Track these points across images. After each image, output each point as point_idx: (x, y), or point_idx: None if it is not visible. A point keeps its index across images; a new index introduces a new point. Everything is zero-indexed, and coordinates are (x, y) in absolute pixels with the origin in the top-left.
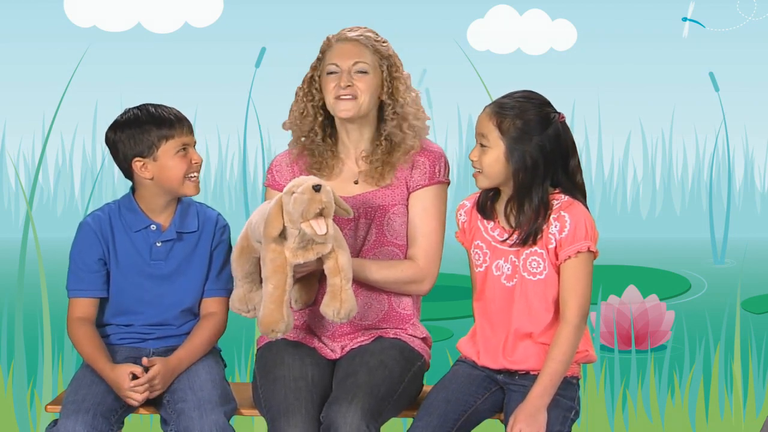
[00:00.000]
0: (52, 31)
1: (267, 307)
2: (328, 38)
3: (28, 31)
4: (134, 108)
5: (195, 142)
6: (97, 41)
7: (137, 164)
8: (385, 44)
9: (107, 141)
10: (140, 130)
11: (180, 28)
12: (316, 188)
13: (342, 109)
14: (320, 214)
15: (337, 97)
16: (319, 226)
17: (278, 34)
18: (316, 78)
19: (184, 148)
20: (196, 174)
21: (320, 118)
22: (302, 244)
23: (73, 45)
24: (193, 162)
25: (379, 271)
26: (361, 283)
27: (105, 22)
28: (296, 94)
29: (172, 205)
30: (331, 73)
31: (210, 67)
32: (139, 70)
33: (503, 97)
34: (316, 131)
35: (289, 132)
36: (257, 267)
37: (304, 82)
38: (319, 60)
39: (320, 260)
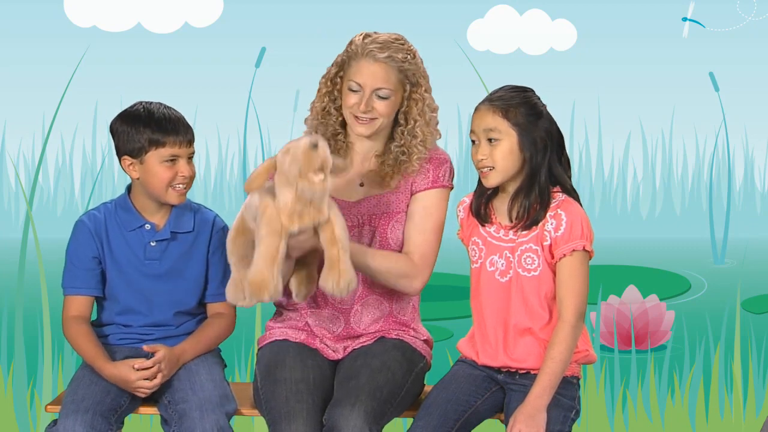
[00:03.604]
0: (52, 31)
1: (256, 265)
2: (356, 43)
3: (28, 31)
4: (143, 104)
5: (191, 154)
6: (97, 41)
7: (125, 162)
8: (413, 61)
9: (110, 128)
10: (135, 130)
11: (180, 28)
12: (313, 146)
13: (358, 131)
14: (319, 169)
15: (355, 117)
16: (317, 176)
17: (278, 34)
18: (338, 80)
19: (172, 159)
20: (182, 185)
21: (341, 118)
22: (298, 208)
23: (73, 45)
24: (179, 174)
25: (376, 259)
26: (360, 292)
27: (105, 22)
28: (319, 89)
29: (168, 205)
30: (353, 90)
31: (210, 67)
32: (139, 70)
33: (493, 93)
34: (337, 129)
35: (302, 128)
36: (253, 251)
37: (327, 78)
38: (344, 63)
39: (317, 236)
